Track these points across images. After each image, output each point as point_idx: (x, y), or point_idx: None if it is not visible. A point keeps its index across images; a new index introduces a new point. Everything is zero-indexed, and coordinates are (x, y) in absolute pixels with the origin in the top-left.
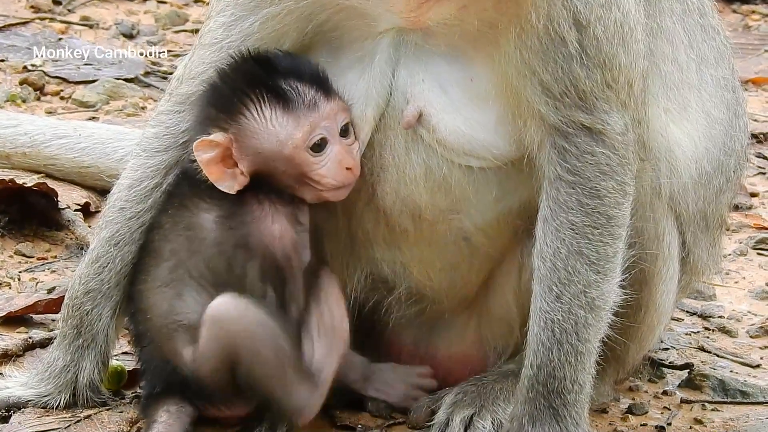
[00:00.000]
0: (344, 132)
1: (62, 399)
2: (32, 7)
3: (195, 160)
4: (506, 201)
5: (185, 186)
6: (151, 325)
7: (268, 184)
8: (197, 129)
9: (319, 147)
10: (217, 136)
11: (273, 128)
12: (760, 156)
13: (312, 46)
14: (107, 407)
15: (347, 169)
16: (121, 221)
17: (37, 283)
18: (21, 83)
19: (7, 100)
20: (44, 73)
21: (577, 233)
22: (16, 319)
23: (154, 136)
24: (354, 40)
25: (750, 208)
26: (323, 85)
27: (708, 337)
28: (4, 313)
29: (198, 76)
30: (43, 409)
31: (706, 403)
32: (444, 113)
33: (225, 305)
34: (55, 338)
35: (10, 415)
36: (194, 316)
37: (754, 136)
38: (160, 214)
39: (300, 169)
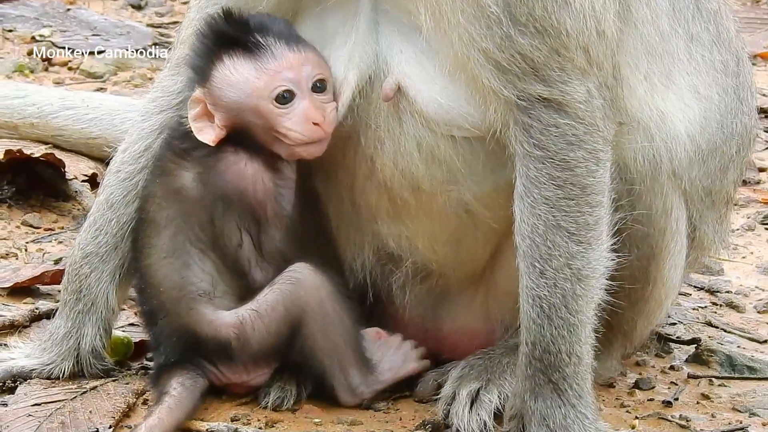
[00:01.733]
0: (318, 88)
1: (66, 367)
2: None
3: (179, 122)
4: (501, 172)
5: (168, 151)
6: (166, 298)
7: (246, 138)
8: (189, 88)
9: (284, 99)
10: (197, 92)
11: (237, 78)
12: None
13: (297, 12)
14: (113, 378)
15: (315, 124)
16: (115, 183)
17: (44, 254)
18: (29, 54)
19: (15, 71)
20: (52, 43)
21: (552, 207)
22: (22, 290)
23: (150, 100)
24: (337, 5)
25: (758, 182)
26: (289, 37)
27: (715, 312)
28: (11, 284)
29: (188, 39)
30: (48, 380)
31: (713, 379)
32: (421, 84)
33: (306, 270)
34: None
35: (17, 386)
36: (206, 284)
37: (762, 110)
38: (151, 184)
39: (267, 122)
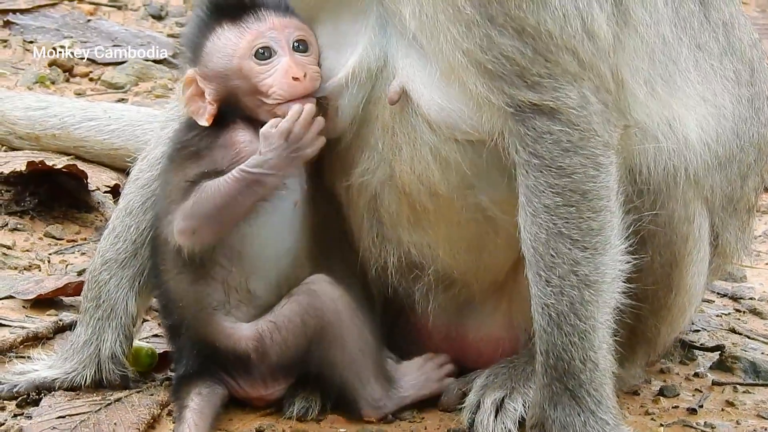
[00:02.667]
0: (299, 48)
1: (87, 374)
2: None
3: (180, 126)
4: (514, 175)
5: (168, 161)
6: (185, 312)
7: (237, 108)
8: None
9: (263, 55)
10: (189, 72)
11: (222, 42)
12: None
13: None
14: (138, 390)
15: (295, 79)
16: (134, 190)
17: (67, 265)
18: (50, 65)
19: (36, 82)
20: (73, 54)
21: (552, 215)
22: (46, 302)
23: (170, 108)
24: (346, 7)
25: None
26: (276, 4)
27: (739, 319)
28: (34, 296)
29: None
30: (72, 392)
31: (737, 385)
32: (423, 87)
33: (324, 282)
34: None
35: (41, 399)
36: (220, 294)
37: None
38: (158, 201)
39: (250, 83)
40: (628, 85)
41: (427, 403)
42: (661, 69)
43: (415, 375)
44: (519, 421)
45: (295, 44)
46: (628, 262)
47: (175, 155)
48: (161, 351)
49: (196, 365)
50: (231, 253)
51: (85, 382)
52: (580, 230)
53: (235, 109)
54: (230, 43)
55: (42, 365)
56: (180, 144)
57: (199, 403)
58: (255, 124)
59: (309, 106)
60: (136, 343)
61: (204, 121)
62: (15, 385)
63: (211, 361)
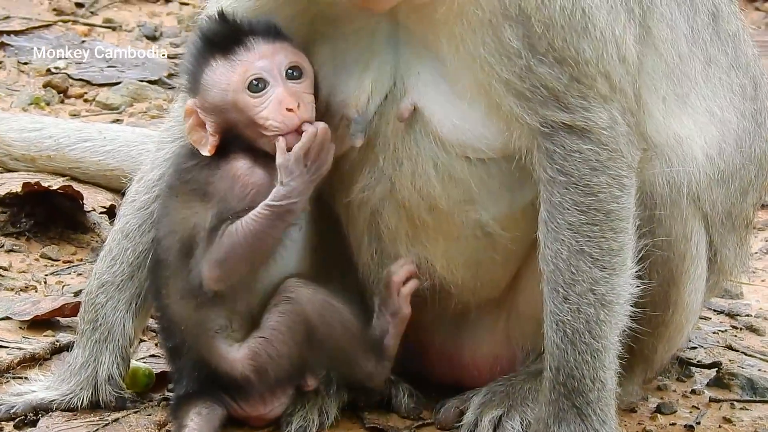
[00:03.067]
0: (292, 75)
1: (85, 396)
2: (55, 9)
3: (182, 152)
4: (518, 193)
5: (167, 189)
6: (186, 335)
7: (239, 141)
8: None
9: (257, 87)
10: (189, 103)
11: (216, 77)
12: None
13: (313, 32)
14: (135, 410)
15: (288, 110)
16: (131, 213)
17: (63, 286)
18: (45, 86)
19: (31, 103)
20: (68, 75)
21: (575, 232)
22: (42, 323)
23: (166, 129)
24: (351, 32)
25: None
26: (266, 31)
27: (736, 336)
28: (31, 317)
29: None
30: (70, 413)
31: (734, 402)
32: (437, 106)
33: (297, 284)
34: None
35: (38, 419)
36: (222, 320)
37: None
38: (157, 227)
39: (246, 116)
40: (647, 106)
41: (425, 422)
42: (676, 85)
43: (384, 320)
44: None
45: (289, 71)
46: (638, 286)
47: (177, 186)
48: (158, 371)
49: (195, 386)
50: (238, 282)
51: (81, 404)
52: (601, 249)
53: (237, 139)
54: (223, 78)
55: (39, 386)
56: (181, 174)
57: (198, 423)
58: (256, 152)
59: (322, 127)
60: (134, 363)
61: (206, 152)
62: (12, 406)
63: (211, 382)
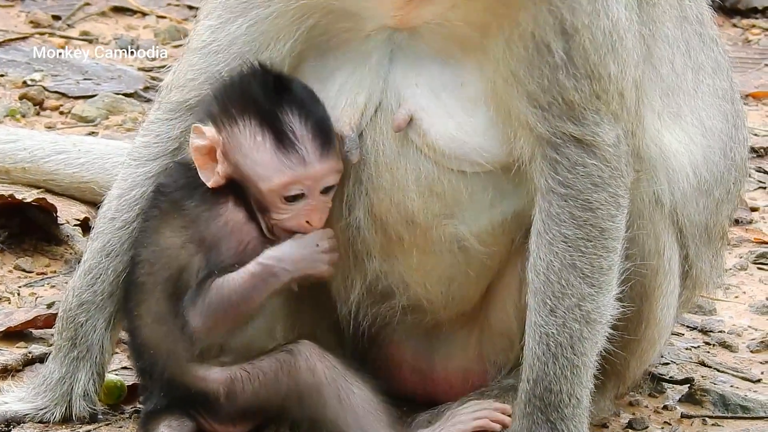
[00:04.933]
0: (326, 190)
1: (58, 412)
2: (32, 22)
3: (171, 170)
4: (500, 207)
5: (156, 210)
6: (157, 358)
7: (241, 192)
8: (198, 113)
9: (293, 199)
10: (210, 131)
11: (258, 158)
12: (760, 170)
13: (301, 55)
14: (107, 423)
15: (308, 222)
16: (111, 231)
17: (37, 298)
18: (20, 98)
19: (7, 115)
20: (44, 88)
21: (570, 246)
22: (15, 334)
23: (143, 145)
24: (343, 43)
25: (750, 222)
26: (325, 141)
27: (708, 352)
28: (4, 328)
29: (188, 83)
30: (41, 424)
31: (706, 418)
32: (435, 117)
33: (307, 345)
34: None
35: (10, 430)
36: (195, 349)
37: (754, 150)
38: (138, 248)
39: (267, 203)
40: (645, 124)
41: None
42: (671, 99)
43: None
44: None
45: (324, 189)
46: (617, 309)
47: (168, 211)
48: (130, 383)
49: (165, 402)
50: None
51: (54, 419)
52: (592, 266)
53: (240, 191)
54: (265, 168)
55: (12, 398)
56: (177, 202)
57: None
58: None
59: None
60: (106, 376)
61: (208, 183)
62: None
63: (182, 399)
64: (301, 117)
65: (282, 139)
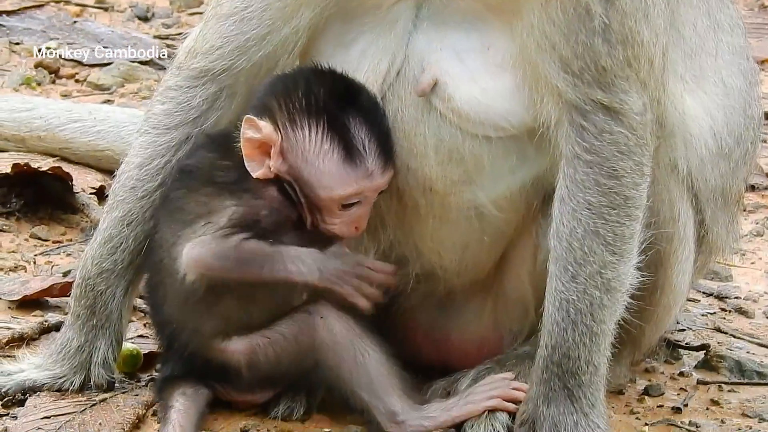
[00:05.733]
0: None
1: (77, 380)
2: None
3: (191, 157)
4: (520, 173)
5: (190, 179)
6: (178, 332)
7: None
8: (251, 107)
9: (350, 206)
10: (267, 128)
11: (324, 168)
12: None
13: (328, 20)
14: (123, 390)
15: (355, 228)
16: (132, 201)
17: (53, 266)
18: (36, 66)
19: (22, 84)
20: (59, 56)
21: (593, 213)
22: (31, 303)
23: (163, 112)
24: (372, 7)
25: (766, 188)
26: (387, 154)
27: (724, 318)
28: (20, 297)
29: (214, 51)
30: (58, 393)
31: (722, 384)
32: (460, 82)
33: (324, 306)
34: None
35: (26, 399)
36: (219, 324)
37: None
38: (165, 226)
39: (320, 207)
40: (669, 95)
41: None
42: (694, 62)
43: (445, 401)
44: (507, 425)
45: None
46: (636, 278)
47: (205, 176)
48: (146, 351)
49: (182, 370)
50: (240, 294)
51: (73, 387)
52: (615, 234)
53: (287, 184)
54: (329, 177)
55: (29, 366)
56: (211, 167)
57: (184, 404)
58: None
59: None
60: (123, 344)
61: (253, 173)
62: (2, 387)
63: (200, 368)
64: (369, 129)
65: (350, 151)
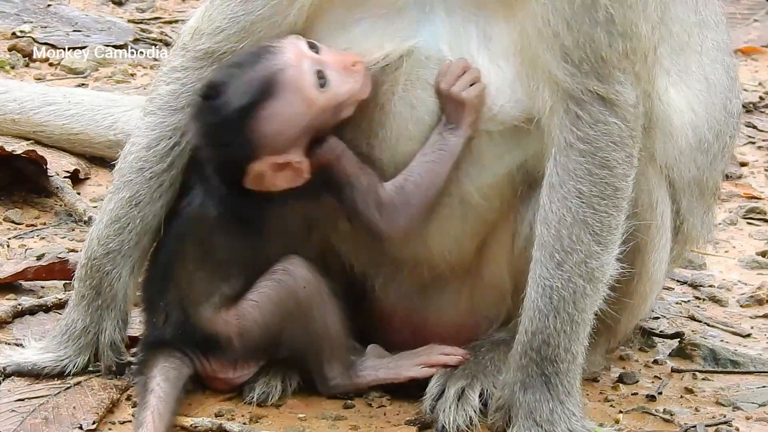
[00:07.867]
0: (313, 45)
1: (80, 362)
2: None
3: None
4: (507, 160)
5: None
6: (183, 302)
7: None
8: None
9: (321, 80)
10: (293, 157)
11: (285, 113)
12: (749, 125)
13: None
14: (98, 374)
15: (353, 66)
16: (140, 182)
17: (26, 249)
18: (10, 49)
19: None
20: (33, 39)
21: (584, 202)
22: (5, 286)
23: (169, 93)
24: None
25: (740, 177)
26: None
27: (699, 307)
28: None
29: (220, 32)
30: (33, 377)
31: (696, 373)
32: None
33: (299, 264)
34: (46, 305)
35: (0, 382)
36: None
37: (743, 105)
38: (178, 225)
39: (335, 106)
40: (657, 90)
41: (388, 390)
42: (680, 57)
43: (382, 360)
44: (480, 409)
45: (312, 50)
46: (616, 269)
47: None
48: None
49: (169, 335)
50: (245, 262)
51: (75, 369)
52: (602, 224)
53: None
54: (291, 107)
55: (32, 348)
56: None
57: (164, 389)
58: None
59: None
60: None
61: (301, 179)
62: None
63: (186, 336)
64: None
65: (268, 92)
